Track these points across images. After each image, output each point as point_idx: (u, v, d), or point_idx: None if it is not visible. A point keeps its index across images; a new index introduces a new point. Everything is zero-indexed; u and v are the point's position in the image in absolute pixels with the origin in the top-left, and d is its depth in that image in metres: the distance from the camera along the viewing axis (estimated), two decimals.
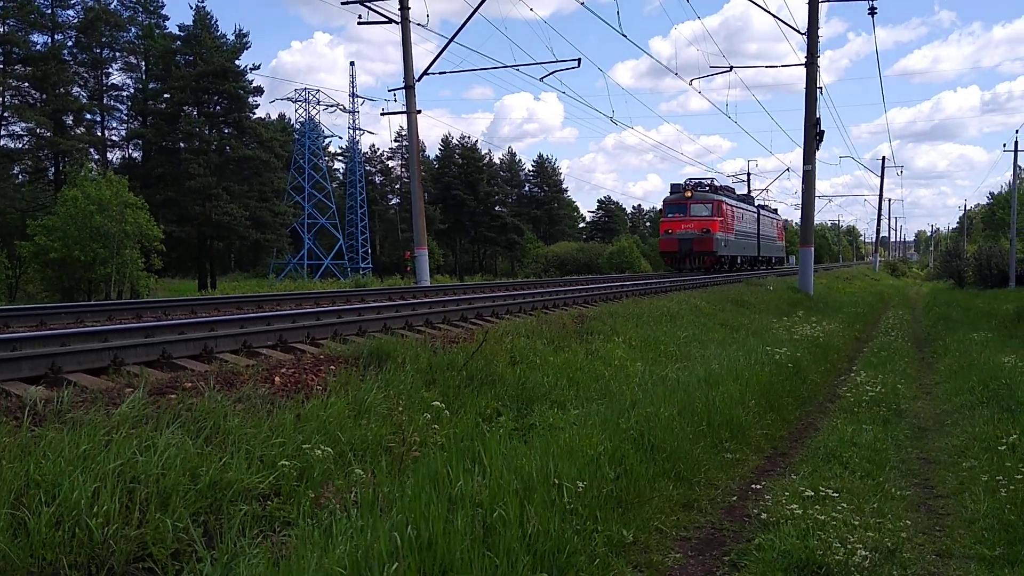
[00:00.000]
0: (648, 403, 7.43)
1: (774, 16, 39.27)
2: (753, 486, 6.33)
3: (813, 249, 30.23)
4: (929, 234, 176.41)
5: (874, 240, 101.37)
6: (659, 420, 6.73)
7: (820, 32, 28.69)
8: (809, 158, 28.58)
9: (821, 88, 29.17)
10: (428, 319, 12.22)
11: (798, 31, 29.05)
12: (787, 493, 5.79)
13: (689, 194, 40.95)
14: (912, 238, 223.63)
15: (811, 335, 16.34)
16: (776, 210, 65.33)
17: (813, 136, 28.13)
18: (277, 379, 7.52)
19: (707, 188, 42.59)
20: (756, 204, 56.82)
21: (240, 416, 6.05)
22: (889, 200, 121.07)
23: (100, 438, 5.02)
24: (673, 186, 42.56)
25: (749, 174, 79.88)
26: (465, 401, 7.94)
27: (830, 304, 26.85)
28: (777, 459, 7.73)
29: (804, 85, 28.56)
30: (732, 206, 44.46)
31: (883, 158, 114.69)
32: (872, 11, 29.37)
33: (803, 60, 28.77)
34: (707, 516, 5.66)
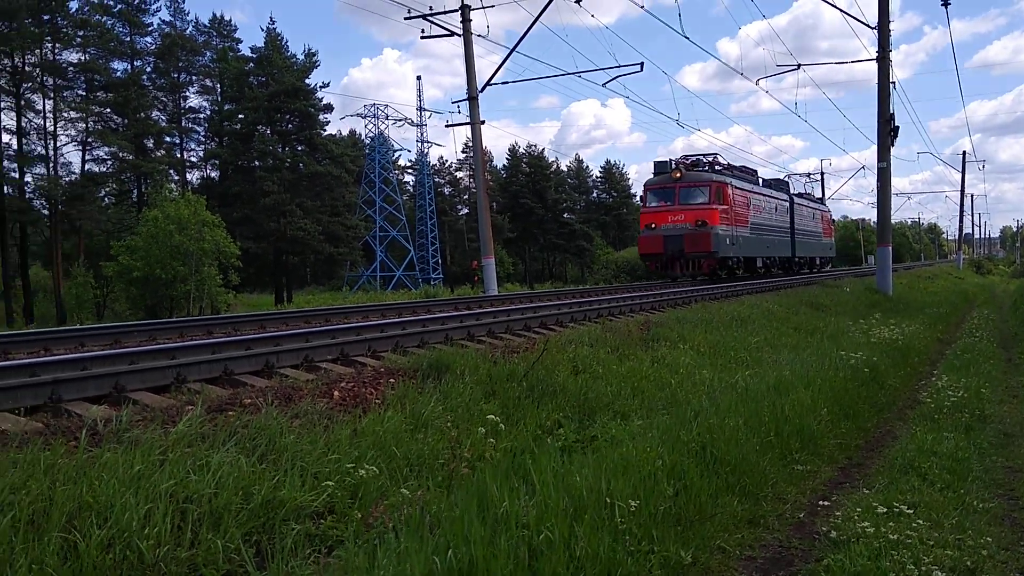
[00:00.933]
0: (713, 413, 7.18)
1: (843, 12, 38.35)
2: (822, 502, 6.04)
3: (891, 248, 29.22)
4: (1015, 230, 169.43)
5: (957, 237, 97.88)
6: (723, 431, 6.48)
7: (892, 26, 27.77)
8: (884, 155, 27.67)
9: (894, 83, 28.03)
10: (490, 329, 12.14)
11: (868, 26, 28.22)
12: (859, 509, 5.49)
13: (678, 175, 29.61)
14: (997, 234, 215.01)
15: (890, 338, 15.73)
16: (822, 199, 53.96)
17: (887, 132, 27.23)
18: (336, 393, 7.51)
19: (705, 167, 31.58)
20: (793, 192, 44.68)
21: (296, 432, 6.03)
22: (972, 196, 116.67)
23: (155, 458, 5.03)
24: (657, 165, 31.39)
25: (823, 173, 77.98)
26: (525, 413, 7.80)
27: (910, 305, 25.89)
28: (851, 470, 7.39)
29: (876, 81, 27.69)
30: (744, 191, 32.44)
31: (963, 153, 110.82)
32: (945, 3, 28.34)
33: (874, 55, 27.91)
34: (774, 534, 5.40)
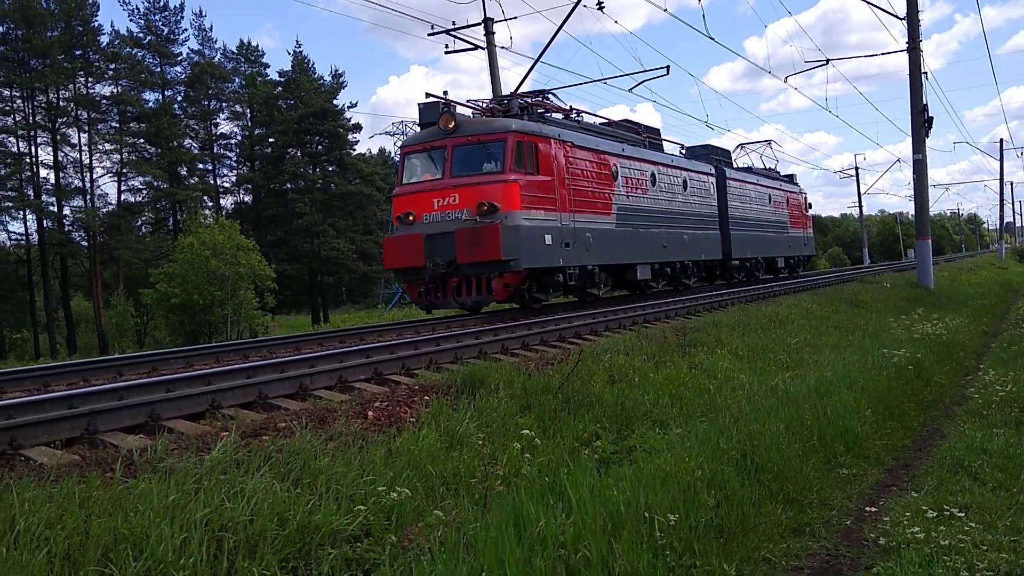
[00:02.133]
0: (752, 418, 7.03)
1: (871, 5, 37.60)
2: (869, 508, 5.86)
3: (931, 241, 28.69)
4: None
5: (998, 227, 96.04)
6: (764, 437, 6.33)
7: (922, 16, 27.39)
8: (919, 146, 27.22)
9: (926, 73, 27.65)
10: (525, 341, 12.05)
11: (898, 17, 27.83)
12: (908, 513, 5.32)
13: (451, 124, 16.95)
14: None
15: (933, 333, 15.39)
16: (792, 177, 37.81)
17: (921, 124, 26.79)
18: (371, 413, 7.47)
19: (516, 110, 17.98)
20: (740, 167, 32.52)
21: (330, 455, 5.99)
22: (1011, 184, 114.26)
23: (190, 486, 5.02)
24: (423, 109, 17.91)
25: (857, 168, 76.94)
26: (561, 425, 7.71)
27: (953, 298, 25.38)
28: (898, 472, 7.19)
29: (908, 72, 27.27)
30: (599, 155, 19.72)
31: (1000, 140, 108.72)
32: None
33: (905, 46, 27.51)
34: (821, 542, 5.25)
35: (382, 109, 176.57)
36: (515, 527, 4.11)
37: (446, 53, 26.34)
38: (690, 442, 6.20)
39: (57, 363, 12.29)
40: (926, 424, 9.39)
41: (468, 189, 16.28)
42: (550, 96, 20.27)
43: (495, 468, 5.58)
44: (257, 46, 72.75)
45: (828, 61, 31.01)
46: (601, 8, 24.55)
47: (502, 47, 25.23)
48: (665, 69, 25.76)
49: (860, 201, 79.29)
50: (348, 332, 15.68)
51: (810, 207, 39.37)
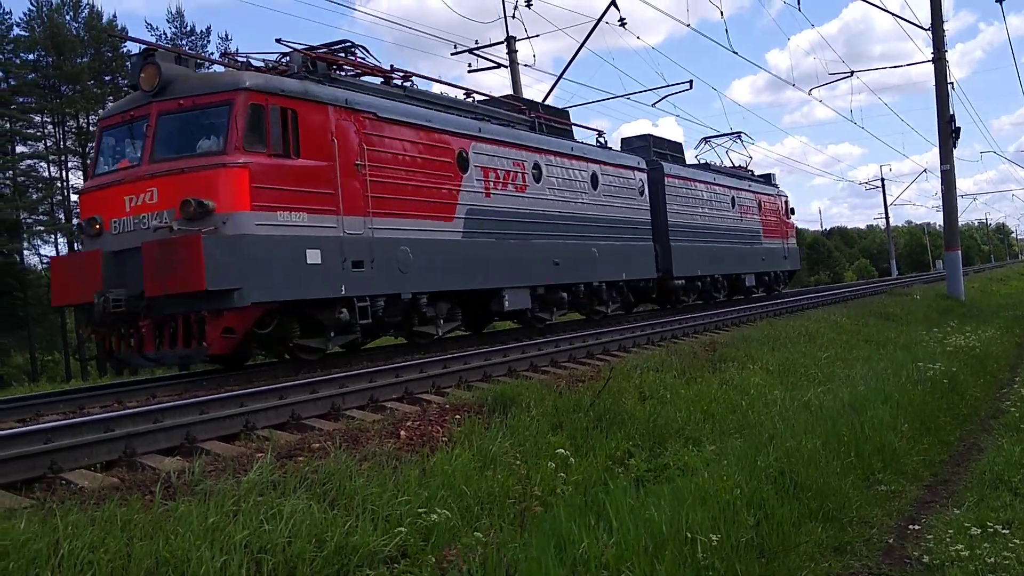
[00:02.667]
0: (788, 435, 6.97)
1: (894, 15, 37.31)
2: (912, 526, 5.78)
3: (960, 252, 28.38)
4: None
5: None
6: (801, 454, 6.27)
7: (947, 26, 27.18)
8: (947, 157, 26.97)
9: (952, 83, 27.46)
10: (553, 358, 12.05)
11: (922, 27, 27.67)
12: (951, 530, 5.24)
13: (156, 81, 11.19)
14: None
15: (966, 345, 15.19)
16: (769, 177, 32.40)
17: (949, 134, 26.56)
18: (403, 433, 7.49)
19: (299, 65, 12.57)
20: (697, 165, 27.17)
21: (365, 475, 6.01)
22: None
23: (228, 508, 5.05)
24: (133, 62, 12.86)
25: (883, 179, 76.35)
26: (594, 444, 7.68)
27: (984, 309, 25.07)
28: (937, 488, 7.09)
29: (933, 83, 27.09)
30: (460, 138, 14.81)
31: None
32: None
33: (930, 57, 27.32)
34: (862, 560, 5.18)
35: None
36: (555, 548, 4.10)
37: (469, 72, 26.50)
38: (727, 460, 6.16)
39: (92, 385, 12.41)
40: (963, 439, 9.27)
41: (170, 179, 10.68)
42: (358, 52, 14.05)
43: (532, 488, 5.55)
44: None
45: (852, 73, 30.90)
46: (623, 24, 24.66)
47: (525, 64, 25.33)
48: (688, 83, 25.84)
49: (887, 212, 78.59)
50: (375, 349, 15.69)
51: (792, 212, 32.92)
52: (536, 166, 16.74)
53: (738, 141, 31.20)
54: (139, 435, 6.62)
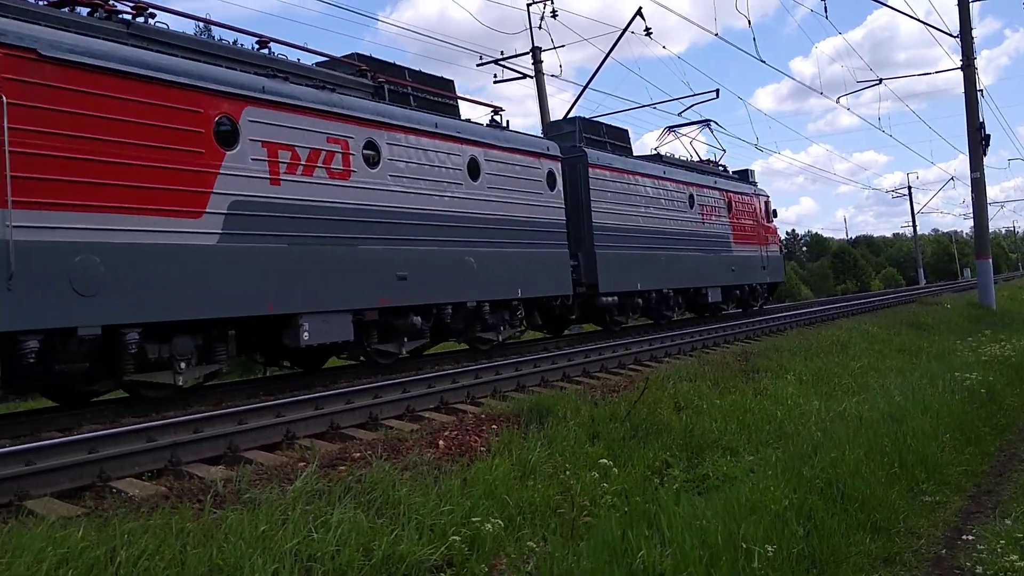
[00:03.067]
0: (831, 446, 6.92)
1: (923, 22, 37.06)
2: (964, 537, 5.72)
3: (991, 260, 28.08)
4: None
5: None
6: (846, 465, 6.23)
7: (974, 32, 26.98)
8: (976, 165, 26.71)
9: (982, 90, 27.25)
10: (585, 369, 12.05)
11: (950, 34, 27.50)
12: (1002, 540, 5.19)
13: None
14: None
15: (1001, 354, 15.01)
16: (746, 174, 27.49)
17: (979, 141, 26.32)
18: (441, 443, 7.52)
19: None
20: (668, 158, 23.05)
21: (408, 485, 6.04)
22: None
23: (277, 517, 5.09)
24: None
25: (910, 187, 75.68)
26: (631, 454, 7.67)
27: (1017, 317, 24.75)
28: (981, 499, 7.02)
29: (961, 90, 26.87)
30: (222, 99, 10.39)
31: None
32: None
33: (959, 64, 27.12)
34: (912, 571, 5.14)
35: None
36: (609, 559, 4.10)
37: (495, 83, 26.59)
38: (770, 470, 6.13)
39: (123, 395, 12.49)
40: (1003, 449, 9.16)
41: None
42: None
43: (580, 498, 5.56)
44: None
45: (881, 80, 30.66)
46: (649, 34, 24.66)
47: (552, 75, 25.37)
48: (715, 92, 25.76)
49: (914, 220, 77.95)
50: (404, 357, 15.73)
51: (775, 215, 28.07)
52: (371, 145, 12.41)
53: (707, 130, 26.83)
54: (184, 444, 6.70)
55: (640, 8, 24.43)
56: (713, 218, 23.20)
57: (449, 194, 13.75)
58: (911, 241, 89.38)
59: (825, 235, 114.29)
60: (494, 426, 8.13)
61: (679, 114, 26.68)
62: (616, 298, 18.16)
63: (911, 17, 44.71)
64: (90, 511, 5.24)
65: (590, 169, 17.89)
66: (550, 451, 7.27)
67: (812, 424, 9.09)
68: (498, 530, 4.88)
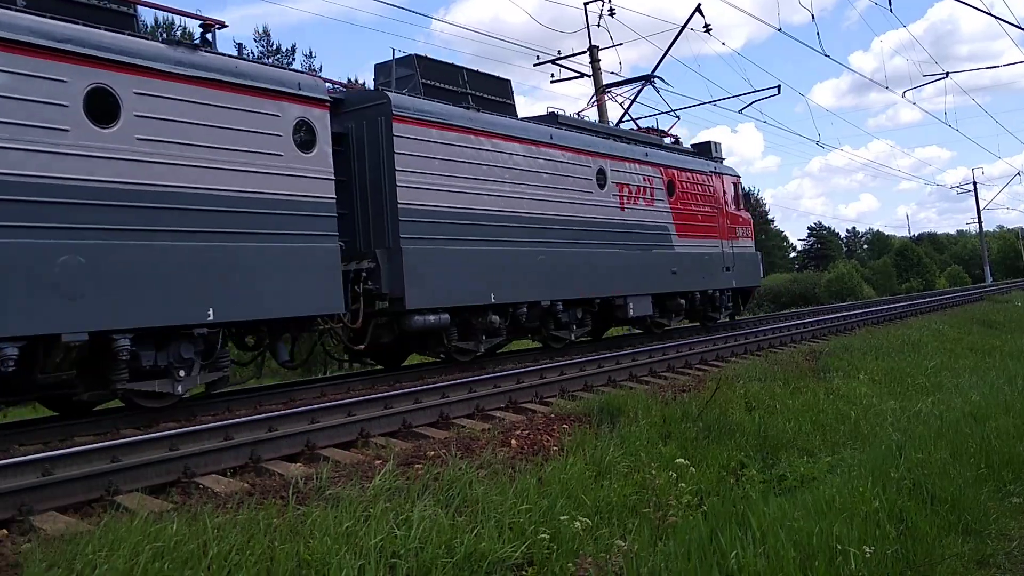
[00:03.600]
0: (914, 447, 6.76)
1: (990, 15, 36.03)
2: None
3: None
4: None
5: None
6: (932, 466, 6.08)
7: None
8: None
9: None
10: (651, 368, 11.95)
11: (1019, 27, 26.66)
12: None
13: None
14: None
15: None
16: (710, 148, 21.76)
17: None
18: (514, 442, 7.52)
19: None
20: (569, 119, 16.81)
21: (484, 483, 6.05)
22: None
23: (359, 514, 5.14)
24: None
25: (975, 183, 73.61)
26: (705, 454, 7.60)
27: None
28: None
29: None
30: None
31: None
32: None
33: None
34: (1007, 574, 4.99)
35: None
36: (699, 560, 4.04)
37: (552, 83, 26.51)
38: (856, 471, 6.00)
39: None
40: None
41: None
42: None
43: (665, 498, 5.51)
44: (364, 83, 74.60)
45: (948, 74, 29.86)
46: (708, 30, 24.37)
47: (611, 72, 25.21)
48: (776, 89, 25.37)
49: (979, 217, 75.72)
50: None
51: (747, 200, 23.32)
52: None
53: (649, 87, 21.72)
54: (263, 442, 6.80)
55: (699, 4, 24.11)
56: (640, 202, 17.21)
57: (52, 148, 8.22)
58: (976, 238, 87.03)
59: (887, 232, 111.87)
60: (565, 425, 8.11)
61: (739, 111, 26.02)
62: (444, 316, 12.23)
63: (979, 10, 43.38)
64: (178, 506, 5.34)
65: (396, 124, 11.85)
66: (623, 451, 7.22)
67: (889, 424, 8.91)
68: (585, 528, 4.84)
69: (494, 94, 14.80)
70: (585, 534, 5.34)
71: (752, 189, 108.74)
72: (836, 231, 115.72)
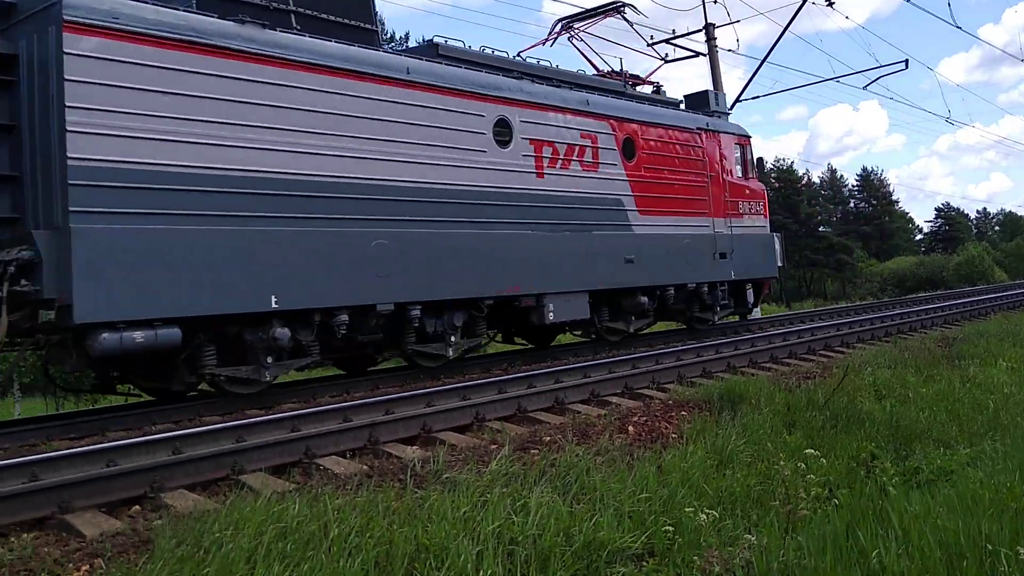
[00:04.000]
0: None
1: None
2: None
3: None
4: None
5: None
6: None
7: None
8: None
9: None
10: (772, 354, 11.55)
11: None
12: None
13: None
14: None
15: None
16: (708, 99, 17.27)
17: None
18: (631, 428, 7.36)
19: None
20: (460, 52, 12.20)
21: (602, 470, 5.93)
22: None
23: (476, 499, 5.10)
24: None
25: None
26: (833, 444, 7.25)
27: None
28: None
29: None
30: None
31: None
32: None
33: None
34: None
35: None
36: (835, 557, 3.81)
37: (666, 62, 25.97)
38: (1000, 464, 5.59)
39: (318, 377, 13.07)
40: None
41: None
42: None
43: (794, 490, 5.26)
44: None
45: None
46: (831, 4, 23.37)
47: (730, 50, 24.49)
48: (904, 63, 24.14)
49: None
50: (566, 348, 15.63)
51: (759, 168, 17.78)
52: None
53: (617, 17, 16.64)
54: (380, 424, 6.86)
55: None
56: (573, 166, 12.88)
57: None
58: None
59: (1020, 213, 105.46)
60: (683, 412, 7.90)
61: (864, 87, 24.71)
62: (166, 333, 8.21)
63: None
64: (299, 486, 5.42)
65: (69, 35, 7.97)
66: (746, 439, 6.97)
67: None
68: (711, 520, 4.66)
69: (341, 14, 10.71)
70: (709, 526, 5.16)
71: (875, 169, 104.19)
72: (965, 212, 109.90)
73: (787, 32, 23.04)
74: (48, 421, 8.88)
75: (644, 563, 4.84)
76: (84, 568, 4.10)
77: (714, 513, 4.75)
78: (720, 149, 16.10)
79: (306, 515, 4.58)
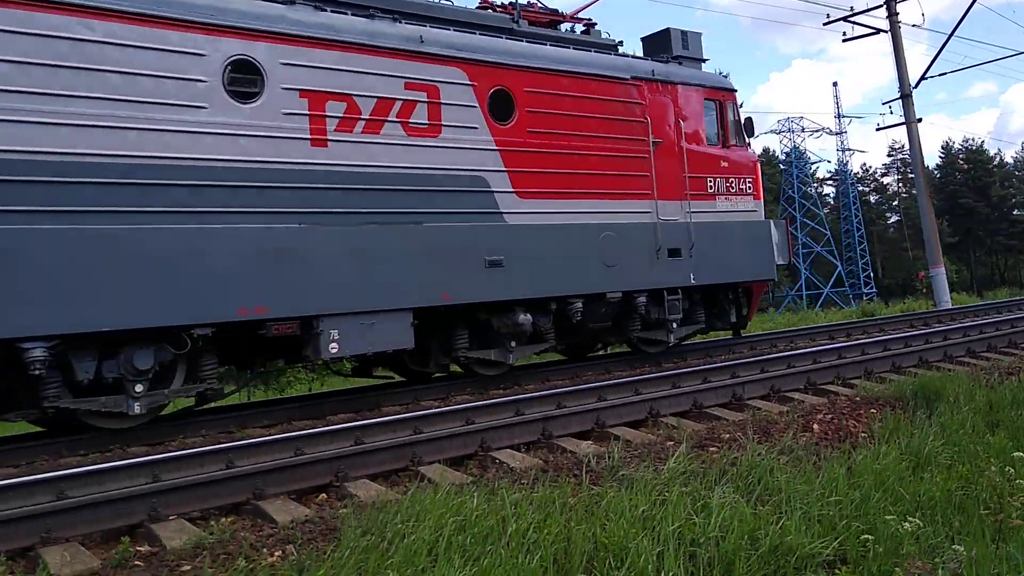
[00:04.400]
0: None
1: None
2: None
3: None
4: None
5: None
6: None
7: None
8: None
9: None
10: (969, 348, 10.70)
11: None
12: None
13: None
14: None
15: None
16: (672, 41, 12.87)
17: None
18: (816, 427, 6.99)
19: None
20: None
21: (786, 471, 5.64)
22: None
23: (655, 497, 4.96)
24: None
25: None
26: None
27: None
28: None
29: None
30: None
31: None
32: None
33: None
34: None
35: (763, 108, 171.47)
36: None
37: (844, 41, 24.66)
38: None
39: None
40: None
41: None
42: None
43: (1005, 497, 4.82)
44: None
45: None
46: None
47: (914, 25, 22.95)
48: None
49: None
50: (761, 337, 15.16)
51: (748, 132, 13.61)
52: None
53: None
54: (553, 418, 6.84)
55: None
56: (388, 128, 9.40)
57: None
58: None
59: None
60: (872, 410, 7.42)
61: None
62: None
63: None
64: (476, 479, 5.46)
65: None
66: (944, 440, 6.45)
67: None
68: (915, 528, 4.33)
69: None
70: (910, 533, 4.80)
71: None
72: None
73: (977, 3, 21.26)
74: (245, 409, 9.49)
75: (836, 571, 4.56)
76: (277, 554, 4.28)
77: (917, 521, 4.39)
78: (676, 107, 12.29)
79: (484, 509, 4.60)
